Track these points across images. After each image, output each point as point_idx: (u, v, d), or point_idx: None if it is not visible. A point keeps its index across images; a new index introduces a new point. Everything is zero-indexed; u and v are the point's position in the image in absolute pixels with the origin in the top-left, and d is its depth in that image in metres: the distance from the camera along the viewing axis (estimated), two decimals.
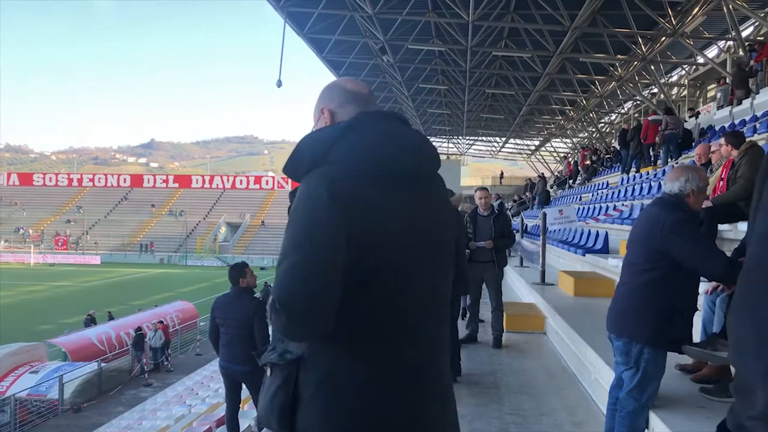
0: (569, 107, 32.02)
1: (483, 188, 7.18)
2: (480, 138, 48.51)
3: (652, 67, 22.82)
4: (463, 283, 5.43)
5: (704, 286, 3.69)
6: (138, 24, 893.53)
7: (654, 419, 3.14)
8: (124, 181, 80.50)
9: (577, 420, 4.44)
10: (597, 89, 27.08)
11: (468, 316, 7.27)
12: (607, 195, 16.45)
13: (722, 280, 3.41)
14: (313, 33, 22.43)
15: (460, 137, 49.12)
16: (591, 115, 31.90)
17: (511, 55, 23.24)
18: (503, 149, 51.59)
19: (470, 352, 6.39)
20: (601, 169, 24.45)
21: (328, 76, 30.51)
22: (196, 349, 22.03)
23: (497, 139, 47.85)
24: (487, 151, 54.72)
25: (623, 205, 11.76)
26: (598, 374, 4.44)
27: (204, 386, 14.25)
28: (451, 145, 54.26)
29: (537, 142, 46.50)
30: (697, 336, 3.82)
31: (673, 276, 3.06)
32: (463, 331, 6.78)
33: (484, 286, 6.89)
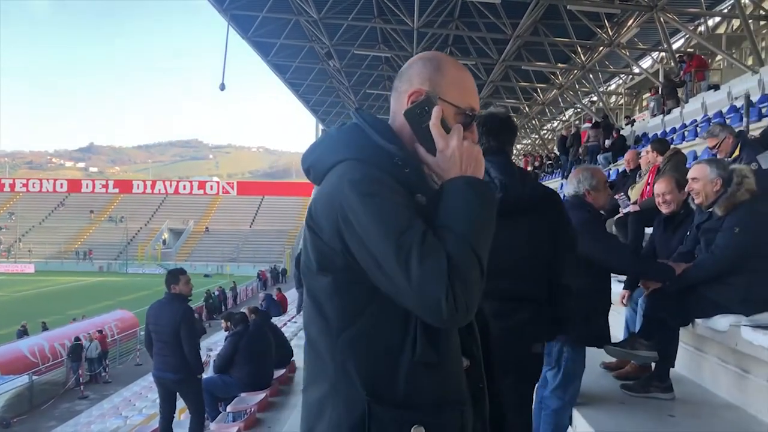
0: (513, 114, 32.69)
1: None
2: None
3: (591, 76, 23.57)
4: None
5: (621, 292, 3.85)
6: (76, 24, 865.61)
7: (577, 416, 3.21)
8: (61, 186, 77.43)
9: None
10: (539, 97, 27.78)
11: None
12: None
13: (629, 273, 3.57)
14: (257, 36, 22.19)
15: None
16: (534, 122, 32.69)
17: None
18: None
19: None
20: (542, 174, 25.04)
21: (273, 80, 30.23)
22: (136, 359, 21.35)
23: None
24: None
25: None
26: None
27: (142, 397, 13.81)
28: None
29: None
30: (621, 334, 3.94)
31: (584, 274, 3.16)
32: None
33: None
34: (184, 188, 78.43)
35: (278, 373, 6.70)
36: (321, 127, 42.28)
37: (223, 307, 30.25)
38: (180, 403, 6.33)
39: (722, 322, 3.18)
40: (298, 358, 7.28)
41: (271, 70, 26.57)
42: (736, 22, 18.61)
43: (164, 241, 65.58)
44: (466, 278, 1.11)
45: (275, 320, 12.97)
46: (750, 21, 15.86)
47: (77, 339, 18.66)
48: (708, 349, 3.63)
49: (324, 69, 26.43)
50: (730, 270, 3.18)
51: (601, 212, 3.60)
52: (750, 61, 15.83)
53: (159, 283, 7.27)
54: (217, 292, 32.30)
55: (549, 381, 3.25)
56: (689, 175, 3.38)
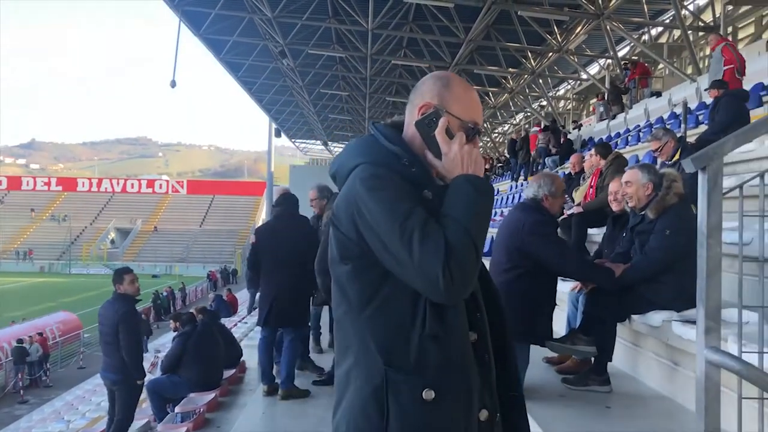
0: None
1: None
2: None
3: (541, 81, 24.14)
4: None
5: (569, 284, 3.98)
6: (21, 12, 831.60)
7: None
8: (0, 184, 74.35)
9: None
10: (491, 100, 28.25)
11: None
12: (497, 201, 17.19)
13: (575, 277, 3.71)
14: (210, 33, 21.85)
15: None
16: (485, 125, 33.23)
17: (410, 64, 23.79)
18: None
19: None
20: (493, 177, 25.49)
21: (226, 78, 29.84)
22: (80, 362, 20.72)
23: None
24: None
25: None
26: None
27: (86, 401, 13.44)
28: None
29: None
30: (563, 330, 4.10)
31: (533, 275, 3.31)
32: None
33: None
34: (132, 186, 76.38)
35: (228, 373, 6.64)
36: (274, 126, 41.92)
37: (171, 308, 29.65)
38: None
39: (656, 318, 3.36)
40: (248, 358, 7.24)
41: (223, 67, 26.21)
42: (677, 33, 19.38)
43: (112, 241, 63.78)
44: (462, 258, 1.27)
45: (226, 321, 12.84)
46: (689, 32, 16.54)
47: (20, 341, 17.98)
48: (643, 343, 3.82)
49: (277, 68, 26.23)
50: (663, 269, 3.36)
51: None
52: (689, 70, 16.51)
53: (105, 284, 7.17)
54: (165, 293, 31.64)
55: None
56: (623, 179, 3.56)
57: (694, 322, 2.98)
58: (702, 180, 1.77)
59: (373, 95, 28.92)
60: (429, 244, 1.26)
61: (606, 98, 17.24)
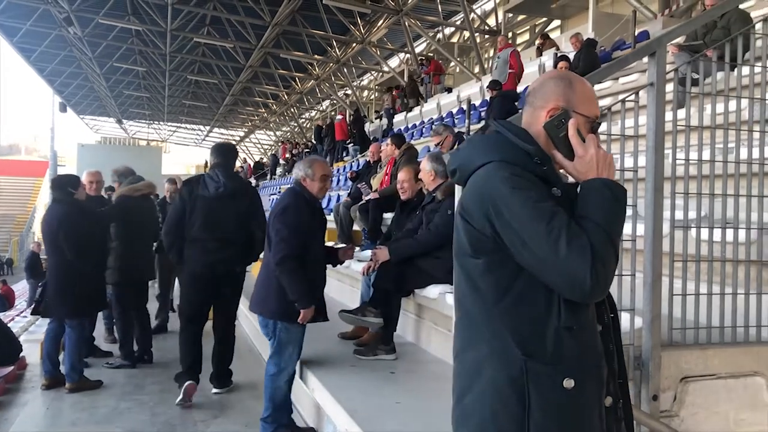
0: (272, 101, 32.94)
1: (171, 180, 7.40)
2: (183, 125, 46.83)
3: (346, 70, 24.85)
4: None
5: (360, 266, 4.33)
6: None
7: (311, 378, 3.61)
8: None
9: (258, 393, 4.75)
10: (297, 86, 28.42)
11: (158, 305, 7.14)
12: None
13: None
14: None
15: (162, 123, 46.69)
16: (292, 110, 33.35)
17: (214, 43, 23.00)
18: (208, 138, 50.50)
19: (160, 342, 6.28)
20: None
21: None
22: None
23: (202, 127, 46.75)
24: (192, 139, 53.06)
25: None
26: None
27: None
28: (151, 130, 51.20)
29: (242, 133, 46.76)
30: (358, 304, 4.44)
31: (299, 257, 3.63)
32: (154, 321, 6.64)
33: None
34: None
35: (5, 371, 6.01)
36: (58, 100, 37.79)
37: None
38: None
39: (433, 291, 3.80)
40: (30, 354, 6.62)
41: None
42: (467, 34, 21.23)
43: None
44: (605, 260, 1.32)
45: (2, 315, 11.47)
46: (477, 34, 18.26)
47: None
48: (425, 315, 4.29)
49: (63, 36, 23.68)
50: (442, 244, 3.81)
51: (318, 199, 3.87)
52: (476, 69, 18.25)
53: None
54: None
55: (269, 350, 3.64)
56: (420, 166, 4.06)
57: None
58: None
59: (173, 72, 27.48)
60: (576, 245, 1.30)
61: (404, 91, 18.33)
